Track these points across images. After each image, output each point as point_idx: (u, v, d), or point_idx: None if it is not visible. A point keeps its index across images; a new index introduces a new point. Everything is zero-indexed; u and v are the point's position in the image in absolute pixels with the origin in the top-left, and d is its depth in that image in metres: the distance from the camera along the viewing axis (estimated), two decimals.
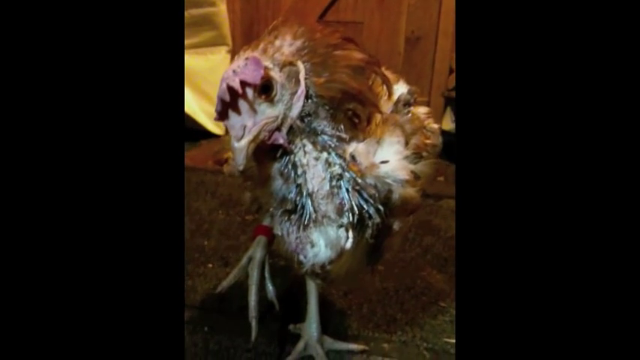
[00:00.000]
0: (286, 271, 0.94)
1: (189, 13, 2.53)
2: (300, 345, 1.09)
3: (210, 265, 1.48)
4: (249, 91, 0.65)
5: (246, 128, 0.66)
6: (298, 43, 0.69)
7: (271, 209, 0.80)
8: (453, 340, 1.18)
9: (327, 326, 1.17)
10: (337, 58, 0.69)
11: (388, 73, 0.78)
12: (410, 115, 0.78)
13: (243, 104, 0.66)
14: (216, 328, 1.18)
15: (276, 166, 0.75)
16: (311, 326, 1.09)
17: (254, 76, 0.64)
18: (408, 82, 2.97)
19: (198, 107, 2.88)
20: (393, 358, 1.11)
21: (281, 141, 0.71)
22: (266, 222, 1.06)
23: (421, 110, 0.83)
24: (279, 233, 0.82)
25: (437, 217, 1.93)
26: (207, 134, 2.94)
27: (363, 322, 1.23)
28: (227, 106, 0.66)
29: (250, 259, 1.09)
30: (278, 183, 0.76)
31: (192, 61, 2.67)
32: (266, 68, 0.65)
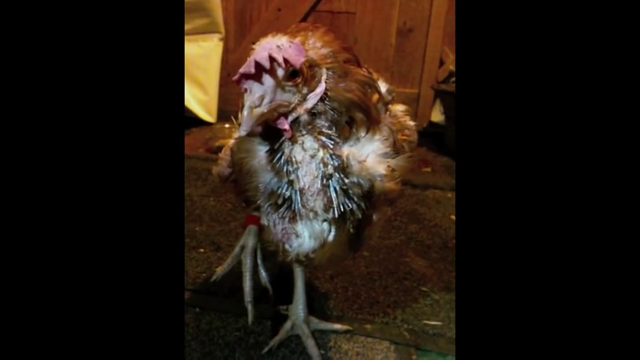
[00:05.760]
0: (275, 256, 0.99)
1: None
2: (288, 325, 1.15)
3: (202, 250, 1.53)
4: (281, 71, 0.69)
5: (263, 100, 0.70)
6: (325, 50, 0.74)
7: (258, 202, 0.84)
8: (433, 322, 1.24)
9: (314, 307, 1.24)
10: (352, 72, 0.75)
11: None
12: (390, 113, 0.83)
13: (270, 79, 0.69)
14: (207, 309, 1.23)
15: (269, 160, 0.79)
16: (298, 307, 1.15)
17: (296, 59, 0.68)
18: (399, 73, 2.99)
19: (191, 94, 2.89)
20: (375, 338, 1.17)
21: (285, 126, 0.74)
22: (255, 213, 1.10)
23: (399, 108, 0.89)
24: (266, 224, 0.87)
25: (422, 206, 1.99)
26: (198, 122, 2.96)
27: (347, 304, 1.29)
28: (258, 73, 0.68)
29: (242, 248, 1.14)
30: (268, 176, 0.80)
31: (185, 48, 2.67)
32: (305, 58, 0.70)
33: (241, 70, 0.67)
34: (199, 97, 2.95)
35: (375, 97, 0.80)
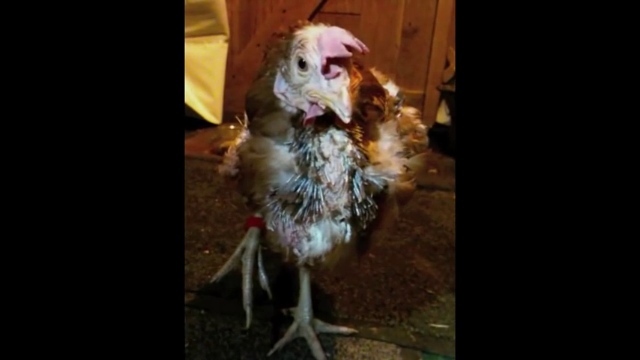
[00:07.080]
0: (279, 257, 0.98)
1: (188, 1, 2.54)
2: (293, 327, 1.14)
3: (207, 252, 1.52)
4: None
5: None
6: None
7: (268, 205, 0.80)
8: (439, 325, 1.23)
9: (319, 310, 1.22)
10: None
11: (377, 74, 0.81)
12: (401, 115, 0.83)
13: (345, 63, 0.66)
14: (212, 311, 1.23)
15: (292, 157, 0.75)
16: (303, 310, 1.14)
17: (360, 45, 0.65)
18: (404, 74, 2.98)
19: (195, 96, 2.90)
20: (381, 341, 1.16)
21: (319, 112, 0.69)
22: (257, 214, 1.09)
23: (410, 111, 0.87)
24: (272, 228, 0.83)
25: (428, 207, 1.98)
26: (203, 123, 2.96)
27: (353, 307, 1.28)
28: (345, 56, 0.65)
29: (244, 250, 1.14)
30: (288, 176, 0.75)
31: (190, 49, 2.68)
32: None
33: (331, 53, 0.63)
34: (204, 99, 2.95)
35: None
